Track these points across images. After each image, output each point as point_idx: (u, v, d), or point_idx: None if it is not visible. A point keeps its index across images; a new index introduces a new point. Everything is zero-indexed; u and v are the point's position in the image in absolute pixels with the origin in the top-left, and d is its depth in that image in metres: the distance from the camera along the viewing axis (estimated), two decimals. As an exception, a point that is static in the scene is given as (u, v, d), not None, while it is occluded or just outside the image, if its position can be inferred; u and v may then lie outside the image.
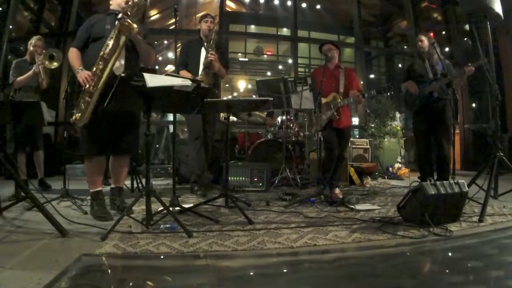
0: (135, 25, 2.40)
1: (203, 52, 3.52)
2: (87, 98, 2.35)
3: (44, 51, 3.76)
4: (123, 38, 2.42)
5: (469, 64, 3.32)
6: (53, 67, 3.77)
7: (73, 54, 2.54)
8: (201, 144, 3.54)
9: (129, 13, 2.41)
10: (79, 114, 2.36)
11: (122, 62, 2.52)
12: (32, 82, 3.78)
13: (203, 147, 3.56)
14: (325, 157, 3.48)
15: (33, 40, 3.78)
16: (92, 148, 2.53)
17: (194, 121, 3.56)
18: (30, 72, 3.67)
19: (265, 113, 5.30)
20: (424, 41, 3.61)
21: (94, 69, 2.37)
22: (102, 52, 2.38)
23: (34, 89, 3.82)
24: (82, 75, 2.38)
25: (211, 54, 3.33)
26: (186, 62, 3.57)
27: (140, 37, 2.56)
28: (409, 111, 3.78)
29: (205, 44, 3.55)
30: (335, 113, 3.39)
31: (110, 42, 2.39)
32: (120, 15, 2.38)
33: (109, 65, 2.39)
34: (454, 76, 3.39)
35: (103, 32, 2.52)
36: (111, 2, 2.69)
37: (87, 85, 2.36)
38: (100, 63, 2.38)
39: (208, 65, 3.36)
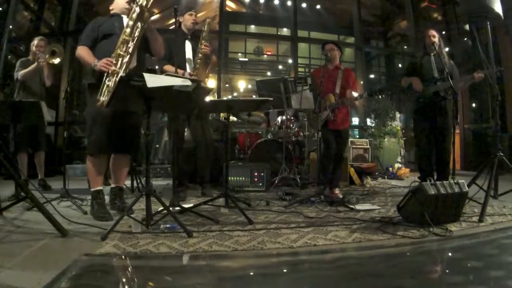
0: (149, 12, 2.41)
1: (187, 46, 3.49)
2: (114, 78, 2.30)
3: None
4: (146, 16, 2.38)
5: (479, 70, 3.23)
6: (56, 61, 3.79)
7: (84, 51, 2.51)
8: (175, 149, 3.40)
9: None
10: (107, 97, 2.28)
11: (135, 58, 2.51)
12: (35, 82, 3.79)
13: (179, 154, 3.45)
14: (322, 156, 3.47)
15: (36, 41, 3.80)
16: (99, 146, 2.54)
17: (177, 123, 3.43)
18: (34, 65, 3.70)
19: (263, 113, 5.31)
20: (437, 36, 3.48)
21: (118, 51, 2.34)
22: (124, 36, 2.35)
23: (37, 88, 3.84)
24: (101, 63, 2.34)
25: (206, 46, 3.34)
26: (169, 56, 3.39)
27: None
28: (410, 106, 3.70)
29: (189, 37, 3.52)
30: (330, 114, 3.39)
31: (130, 27, 2.38)
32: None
33: (134, 46, 2.37)
34: (460, 80, 3.34)
35: (114, 29, 2.56)
36: (112, 7, 2.73)
37: (112, 68, 2.31)
38: (124, 45, 2.35)
39: (206, 56, 3.35)
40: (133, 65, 2.48)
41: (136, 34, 2.38)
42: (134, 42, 2.37)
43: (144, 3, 2.35)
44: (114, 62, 2.34)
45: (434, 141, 3.55)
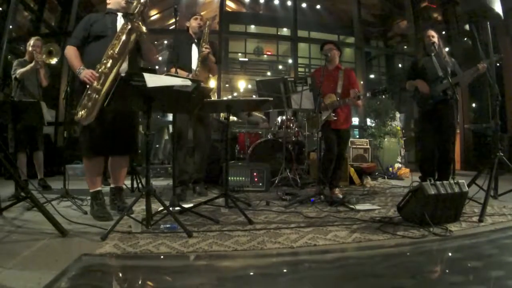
0: (144, 27, 2.39)
1: (194, 49, 3.50)
2: (95, 95, 2.30)
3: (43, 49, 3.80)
4: (133, 37, 2.38)
5: (481, 61, 3.20)
6: (52, 62, 3.79)
7: (72, 53, 2.48)
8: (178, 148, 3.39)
9: (135, 13, 2.38)
10: (85, 112, 2.30)
11: (126, 62, 2.49)
12: (32, 83, 3.80)
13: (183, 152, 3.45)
14: (323, 156, 3.48)
15: (32, 41, 3.81)
16: (92, 148, 2.52)
17: (180, 122, 3.40)
18: (31, 64, 3.71)
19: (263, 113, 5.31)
20: (436, 36, 3.46)
21: (103, 67, 2.32)
22: (111, 51, 2.34)
23: (34, 88, 3.84)
24: (85, 74, 2.35)
25: (206, 47, 3.34)
26: (176, 59, 3.44)
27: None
28: (422, 110, 3.66)
29: (196, 41, 3.53)
30: (332, 114, 3.38)
31: (119, 41, 2.35)
32: (131, 16, 2.36)
33: (118, 63, 2.35)
34: (465, 74, 3.33)
35: (105, 31, 2.51)
36: (108, 1, 2.66)
37: (94, 83, 2.30)
38: (108, 61, 2.33)
39: (204, 58, 3.35)
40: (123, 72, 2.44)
41: (125, 50, 2.37)
42: (121, 58, 2.36)
43: (137, 25, 2.35)
44: (97, 75, 2.32)
45: (437, 142, 3.51)
